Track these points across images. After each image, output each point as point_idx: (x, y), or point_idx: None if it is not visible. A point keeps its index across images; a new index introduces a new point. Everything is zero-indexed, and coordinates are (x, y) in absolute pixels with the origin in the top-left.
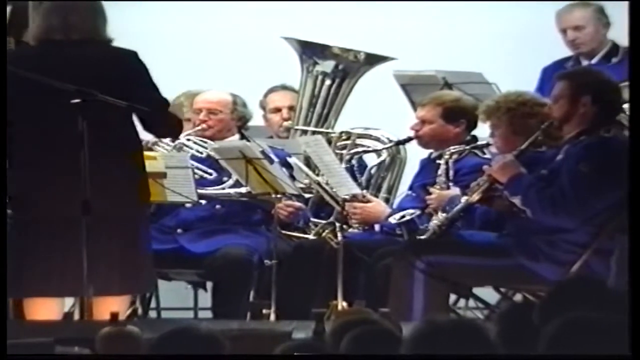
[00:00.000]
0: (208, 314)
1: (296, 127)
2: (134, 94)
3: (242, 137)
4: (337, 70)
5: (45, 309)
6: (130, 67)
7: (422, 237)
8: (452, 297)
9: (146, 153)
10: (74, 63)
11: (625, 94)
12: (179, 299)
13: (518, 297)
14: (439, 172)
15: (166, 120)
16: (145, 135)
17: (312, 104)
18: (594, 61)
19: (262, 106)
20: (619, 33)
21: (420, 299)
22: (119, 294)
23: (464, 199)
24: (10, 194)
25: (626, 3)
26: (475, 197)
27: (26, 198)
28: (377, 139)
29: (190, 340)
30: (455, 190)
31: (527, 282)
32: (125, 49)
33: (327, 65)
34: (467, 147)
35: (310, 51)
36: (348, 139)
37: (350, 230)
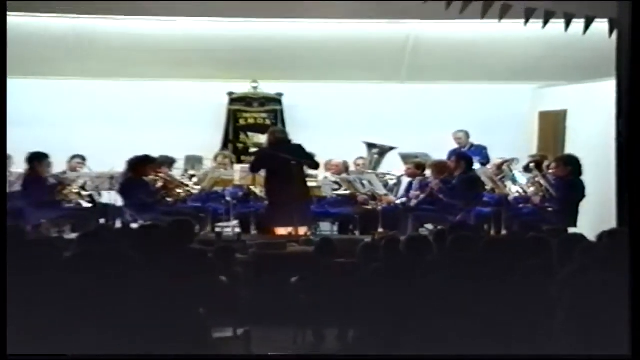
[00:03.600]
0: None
1: (367, 172)
2: (305, 157)
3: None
4: (378, 153)
5: (279, 232)
6: (303, 149)
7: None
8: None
9: (314, 179)
10: (286, 150)
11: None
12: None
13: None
14: (414, 186)
15: (316, 166)
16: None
17: (370, 164)
18: (465, 149)
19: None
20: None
21: (410, 227)
22: (304, 225)
23: (422, 196)
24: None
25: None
26: (425, 193)
27: (276, 194)
28: (391, 175)
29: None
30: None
31: (446, 222)
32: (298, 143)
33: (376, 150)
34: (425, 178)
35: (370, 146)
36: (384, 175)
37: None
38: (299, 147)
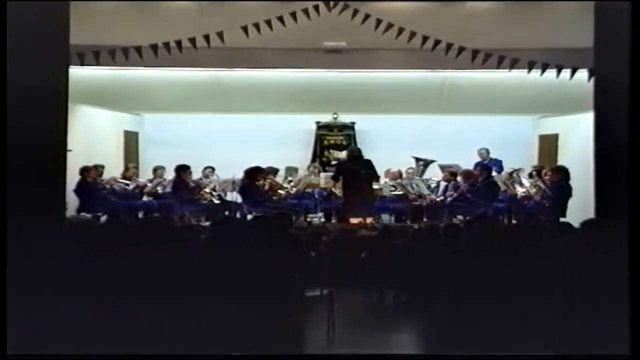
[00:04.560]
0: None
1: (415, 178)
2: (371, 170)
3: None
4: (423, 164)
5: (352, 221)
6: (371, 163)
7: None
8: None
9: (377, 183)
10: (359, 163)
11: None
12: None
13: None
14: (449, 188)
15: (376, 179)
16: None
17: (417, 172)
18: (486, 162)
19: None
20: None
21: (446, 218)
22: (370, 217)
23: (455, 195)
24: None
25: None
26: (457, 193)
27: (350, 194)
28: (432, 180)
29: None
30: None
31: (472, 214)
32: (368, 158)
33: (421, 162)
34: (457, 182)
35: (417, 159)
36: (427, 180)
37: (427, 202)
38: (368, 161)
